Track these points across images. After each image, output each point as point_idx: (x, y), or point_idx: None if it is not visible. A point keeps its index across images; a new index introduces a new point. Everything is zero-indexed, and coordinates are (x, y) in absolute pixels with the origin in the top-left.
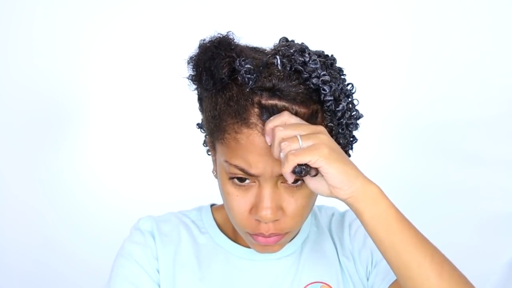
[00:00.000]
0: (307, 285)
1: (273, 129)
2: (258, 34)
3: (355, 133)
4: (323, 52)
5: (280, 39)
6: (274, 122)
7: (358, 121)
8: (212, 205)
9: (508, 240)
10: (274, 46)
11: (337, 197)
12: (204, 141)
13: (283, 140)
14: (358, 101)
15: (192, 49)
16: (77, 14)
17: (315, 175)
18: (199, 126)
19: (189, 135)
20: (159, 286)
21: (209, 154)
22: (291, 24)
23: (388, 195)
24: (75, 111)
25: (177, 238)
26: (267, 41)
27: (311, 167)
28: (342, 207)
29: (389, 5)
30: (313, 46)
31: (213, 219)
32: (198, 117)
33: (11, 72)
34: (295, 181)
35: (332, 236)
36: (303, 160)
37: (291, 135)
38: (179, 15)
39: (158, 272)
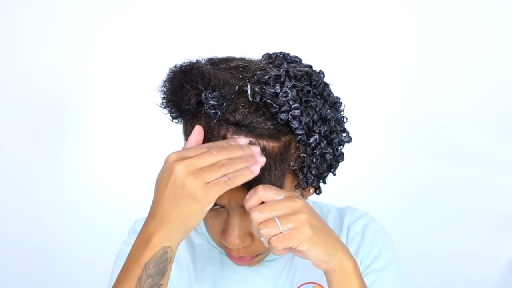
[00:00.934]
0: (300, 286)
1: (250, 212)
2: (267, 31)
3: (354, 140)
4: (308, 69)
5: (263, 56)
6: (251, 202)
7: (356, 129)
8: None
9: (508, 240)
10: (256, 59)
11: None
12: None
13: (262, 226)
14: (347, 118)
15: (195, 50)
16: (80, 14)
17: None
18: None
19: None
20: None
21: None
22: (300, 22)
23: (391, 196)
24: (77, 109)
25: None
26: (270, 42)
27: None
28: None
29: (397, 6)
30: (319, 47)
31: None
32: None
33: (15, 70)
34: None
35: None
36: (287, 245)
37: (268, 217)
38: (181, 16)
39: None
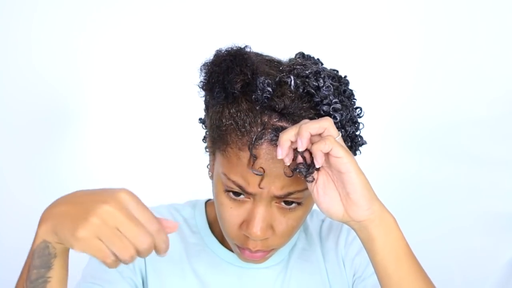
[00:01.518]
0: None
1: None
2: (259, 36)
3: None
4: (337, 73)
5: (296, 55)
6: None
7: (361, 147)
8: (207, 201)
9: (508, 240)
10: (289, 60)
11: (350, 219)
12: (204, 137)
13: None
14: (363, 125)
15: (192, 49)
16: (76, 14)
17: (312, 181)
18: (201, 121)
19: (188, 133)
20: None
21: (207, 151)
22: (301, 23)
23: (391, 195)
24: (74, 111)
25: None
26: (269, 44)
27: (312, 172)
28: None
29: (396, 6)
30: (318, 47)
31: (206, 217)
32: (197, 116)
33: (10, 72)
34: (290, 203)
35: (322, 241)
36: (337, 152)
37: (335, 128)
38: (179, 15)
39: (144, 266)
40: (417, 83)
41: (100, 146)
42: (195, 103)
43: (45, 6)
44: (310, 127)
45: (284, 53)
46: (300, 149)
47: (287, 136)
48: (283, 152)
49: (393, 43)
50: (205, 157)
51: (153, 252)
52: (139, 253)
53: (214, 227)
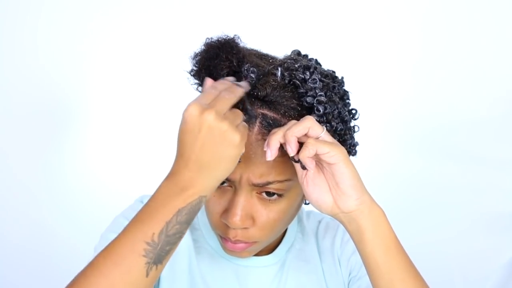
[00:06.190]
0: None
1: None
2: (256, 35)
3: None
4: (332, 73)
5: (292, 51)
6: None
7: (357, 148)
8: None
9: (508, 240)
10: (284, 56)
11: (340, 210)
12: None
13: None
14: (358, 127)
15: (194, 48)
16: (80, 13)
17: (304, 169)
18: None
19: None
20: None
21: None
22: (300, 24)
23: (391, 196)
24: (77, 108)
25: None
26: (264, 42)
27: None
28: None
29: (397, 6)
30: (317, 46)
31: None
32: None
33: (15, 69)
34: (271, 194)
35: (318, 241)
36: (322, 149)
37: (318, 125)
38: (181, 15)
39: None
40: (417, 84)
41: (101, 144)
42: None
43: (48, 7)
44: (294, 131)
45: (281, 53)
46: (291, 155)
47: (276, 137)
48: (272, 154)
49: (394, 43)
50: None
51: None
52: None
53: None
